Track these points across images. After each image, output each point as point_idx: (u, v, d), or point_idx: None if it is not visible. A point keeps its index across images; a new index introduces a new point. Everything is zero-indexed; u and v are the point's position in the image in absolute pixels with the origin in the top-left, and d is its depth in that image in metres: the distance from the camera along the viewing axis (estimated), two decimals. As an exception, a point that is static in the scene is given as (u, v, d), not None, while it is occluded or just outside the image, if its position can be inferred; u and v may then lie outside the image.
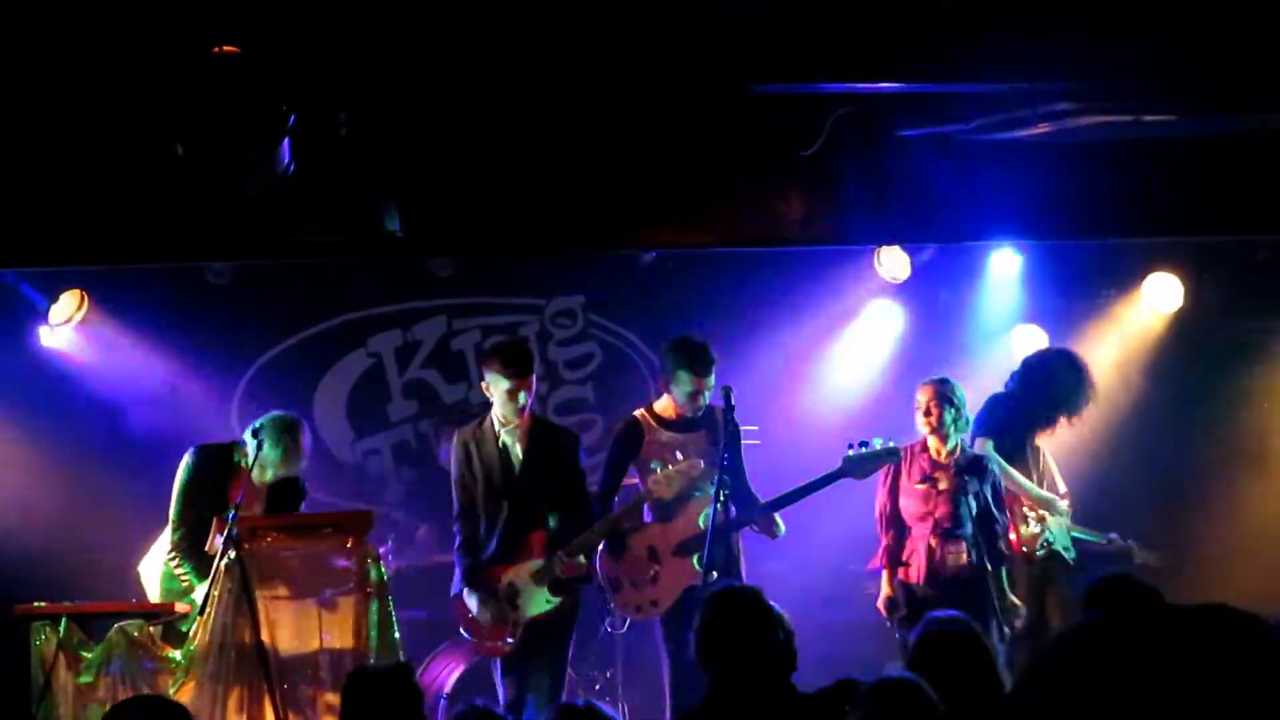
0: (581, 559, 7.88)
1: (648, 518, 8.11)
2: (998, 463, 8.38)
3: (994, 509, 8.22)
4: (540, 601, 7.87)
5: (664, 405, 8.23)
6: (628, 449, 8.19)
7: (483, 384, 7.98)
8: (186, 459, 7.92)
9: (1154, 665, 1.39)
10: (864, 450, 8.18)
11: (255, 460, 7.70)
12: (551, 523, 7.95)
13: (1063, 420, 8.92)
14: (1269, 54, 7.53)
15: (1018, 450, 8.74)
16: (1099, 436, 9.65)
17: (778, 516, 8.09)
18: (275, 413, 7.94)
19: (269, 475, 7.84)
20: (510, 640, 7.86)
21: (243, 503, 7.40)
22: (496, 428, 7.98)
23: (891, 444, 8.23)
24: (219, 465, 7.89)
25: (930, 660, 4.65)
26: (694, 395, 8.05)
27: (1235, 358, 10.55)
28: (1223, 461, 10.30)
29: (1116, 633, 1.39)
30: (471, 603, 7.90)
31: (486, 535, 7.95)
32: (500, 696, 7.85)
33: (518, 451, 7.97)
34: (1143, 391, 10.26)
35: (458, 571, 8.00)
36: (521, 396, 7.85)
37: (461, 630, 8.04)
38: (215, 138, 7.01)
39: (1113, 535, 9.11)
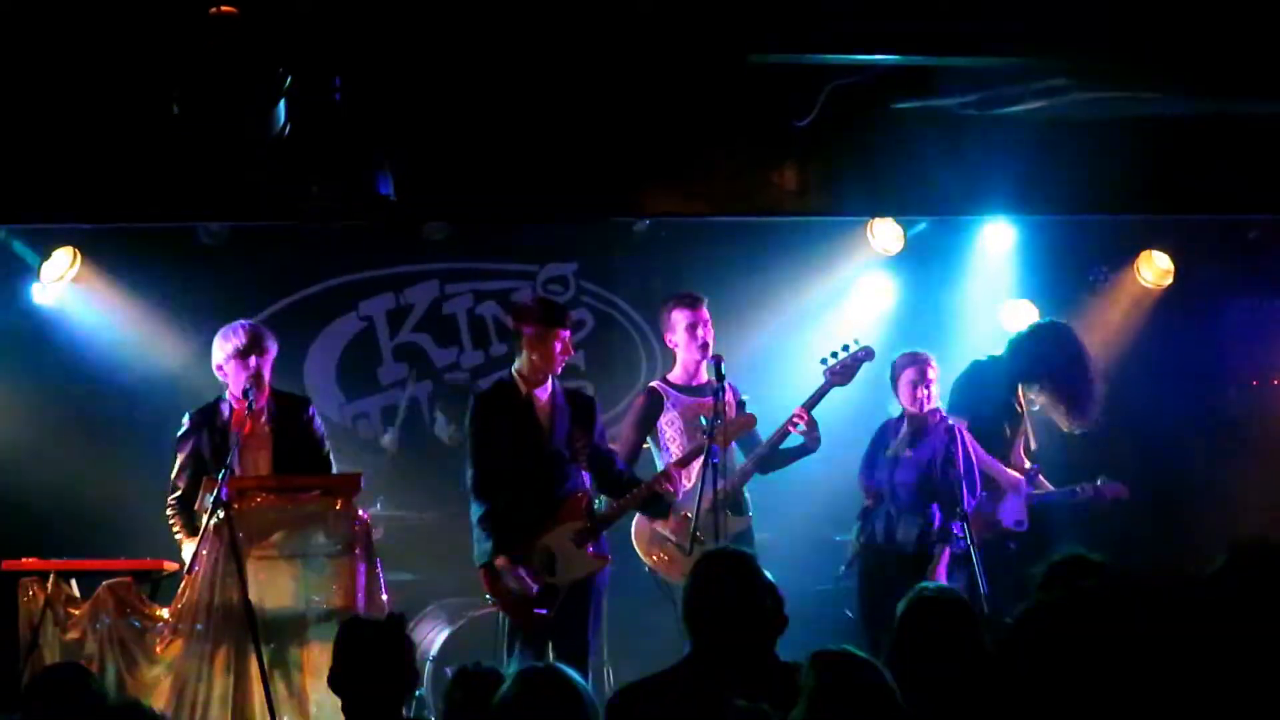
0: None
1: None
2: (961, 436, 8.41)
3: (956, 484, 8.23)
4: (582, 563, 7.85)
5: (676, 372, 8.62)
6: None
7: (523, 337, 7.94)
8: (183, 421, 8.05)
9: (1111, 638, 1.41)
10: (838, 359, 8.54)
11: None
12: (586, 484, 7.99)
13: (1054, 396, 8.96)
14: (1262, 36, 7.54)
15: (1007, 414, 8.81)
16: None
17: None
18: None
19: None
20: (546, 610, 7.75)
21: (246, 442, 7.68)
22: (522, 387, 7.95)
23: (859, 343, 8.60)
24: (207, 421, 7.97)
25: (915, 630, 4.66)
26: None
27: (1225, 336, 10.59)
28: (1212, 439, 10.33)
29: (1077, 609, 1.41)
30: (511, 570, 7.72)
31: (519, 498, 7.82)
32: (510, 667, 7.46)
33: (546, 411, 7.95)
34: (1132, 369, 10.28)
35: (485, 543, 7.77)
36: (567, 347, 7.94)
37: (490, 599, 7.92)
38: (211, 99, 7.00)
39: (1081, 486, 9.08)
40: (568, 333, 8.00)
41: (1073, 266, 10.47)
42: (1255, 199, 8.97)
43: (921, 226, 10.15)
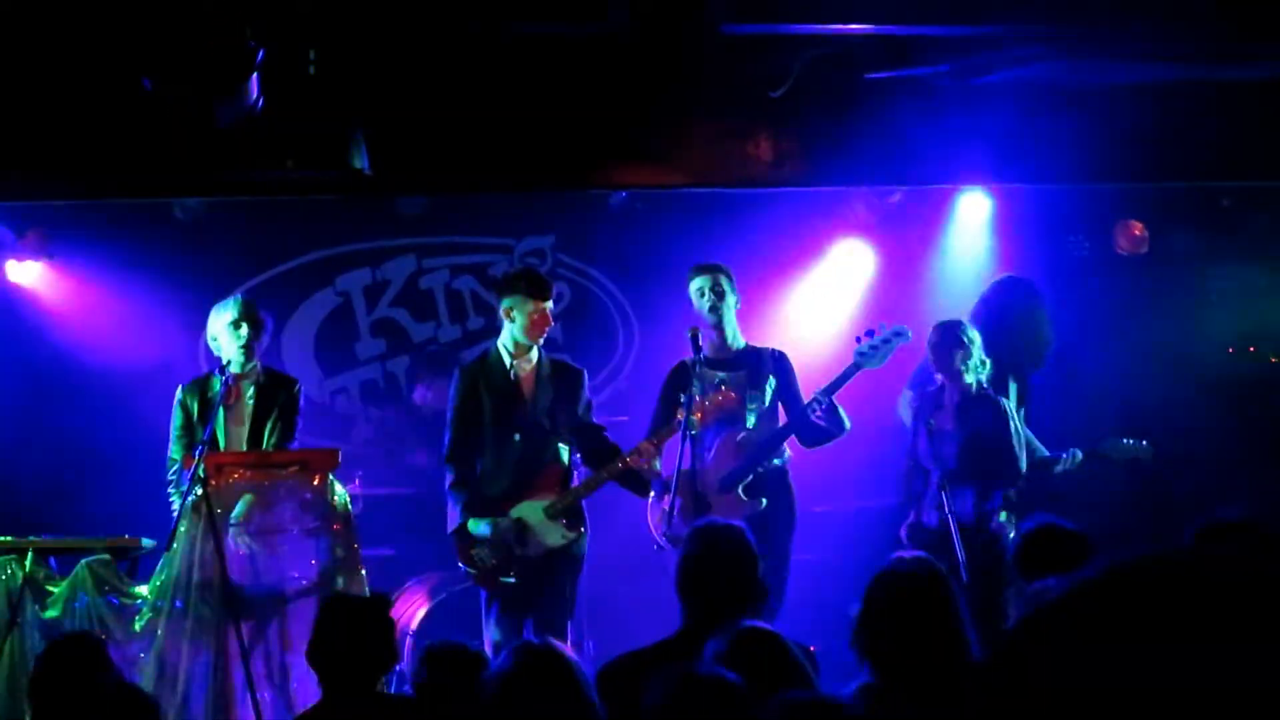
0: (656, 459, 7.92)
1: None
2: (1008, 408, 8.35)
3: (999, 453, 8.22)
4: (553, 534, 7.85)
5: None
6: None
7: (503, 310, 7.95)
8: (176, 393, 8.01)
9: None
10: (872, 339, 8.26)
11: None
12: (564, 457, 7.99)
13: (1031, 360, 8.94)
14: (1236, 2, 7.55)
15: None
16: (1064, 383, 9.69)
17: (842, 412, 8.16)
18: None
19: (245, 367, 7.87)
20: (513, 578, 7.77)
21: (230, 414, 7.63)
22: (506, 359, 7.96)
23: (899, 327, 8.29)
24: (198, 392, 7.94)
25: (878, 603, 4.62)
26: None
27: (1200, 305, 10.62)
28: (1189, 405, 10.35)
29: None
30: (481, 536, 7.79)
31: (495, 469, 7.88)
32: (487, 637, 7.72)
33: (529, 383, 7.95)
34: (1109, 337, 10.31)
35: (455, 508, 7.86)
36: (547, 318, 7.91)
37: (462, 566, 7.93)
38: (183, 73, 6.96)
39: (1069, 452, 8.92)
40: (550, 304, 7.99)
41: (1050, 235, 10.48)
42: (1228, 167, 8.99)
43: (898, 196, 10.15)
